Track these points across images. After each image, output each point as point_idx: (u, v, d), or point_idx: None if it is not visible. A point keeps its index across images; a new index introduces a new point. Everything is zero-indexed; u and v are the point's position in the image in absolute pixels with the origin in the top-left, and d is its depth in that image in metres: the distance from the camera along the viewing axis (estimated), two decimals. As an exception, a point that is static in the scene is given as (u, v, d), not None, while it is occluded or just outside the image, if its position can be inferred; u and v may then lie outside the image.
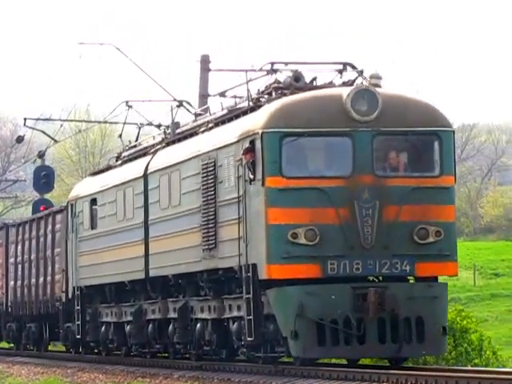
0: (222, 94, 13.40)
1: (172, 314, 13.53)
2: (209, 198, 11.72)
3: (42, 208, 26.20)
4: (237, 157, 10.80)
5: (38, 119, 31.43)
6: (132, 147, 17.79)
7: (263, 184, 9.77)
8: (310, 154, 10.13)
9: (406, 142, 10.24)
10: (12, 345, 25.18)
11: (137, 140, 18.21)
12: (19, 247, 23.62)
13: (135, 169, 15.60)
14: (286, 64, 11.79)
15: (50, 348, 22.95)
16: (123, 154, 17.91)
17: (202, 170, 11.95)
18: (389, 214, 9.70)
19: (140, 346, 15.67)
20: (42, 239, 21.70)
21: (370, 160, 9.83)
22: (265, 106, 10.73)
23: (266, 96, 11.53)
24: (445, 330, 10.04)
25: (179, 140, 14.37)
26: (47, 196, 33.21)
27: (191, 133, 13.92)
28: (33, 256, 22.35)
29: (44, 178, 31.59)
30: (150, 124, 19.39)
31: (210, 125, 13.00)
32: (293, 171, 9.86)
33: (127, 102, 19.10)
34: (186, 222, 12.69)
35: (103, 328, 17.11)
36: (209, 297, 12.27)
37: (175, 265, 13.12)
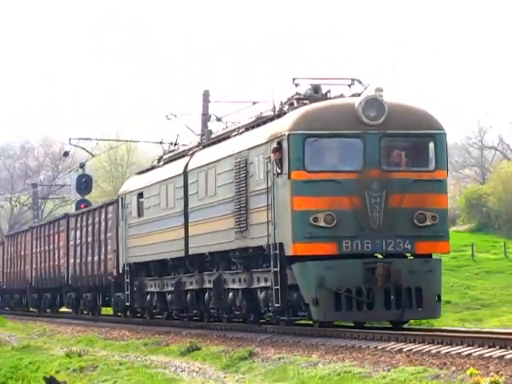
0: (219, 119, 18.50)
1: (207, 285, 15.80)
2: (241, 189, 13.72)
3: (82, 206, 33.71)
4: (266, 155, 12.79)
5: (79, 139, 39.76)
6: (171, 151, 21.13)
7: (289, 177, 11.71)
8: (327, 152, 12.13)
9: (407, 142, 12.27)
10: (71, 310, 30.23)
11: (175, 145, 21.81)
12: (78, 232, 27.92)
13: (176, 168, 18.23)
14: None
15: (102, 313, 26.91)
16: (164, 157, 20.89)
17: (235, 166, 13.96)
18: (393, 202, 11.64)
19: (179, 312, 18.27)
20: (96, 226, 25.79)
21: (378, 157, 11.80)
22: (290, 112, 12.76)
23: (287, 106, 13.65)
24: (439, 298, 12.02)
25: (213, 143, 16.81)
26: (86, 197, 40.37)
27: (224, 137, 16.25)
28: (89, 239, 26.34)
29: (84, 184, 39.09)
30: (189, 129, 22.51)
31: (241, 130, 15.19)
32: (314, 166, 11.81)
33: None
34: (221, 210, 14.91)
35: (148, 297, 20.08)
36: (239, 270, 14.34)
37: (212, 244, 15.37)
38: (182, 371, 10.57)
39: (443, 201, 12.40)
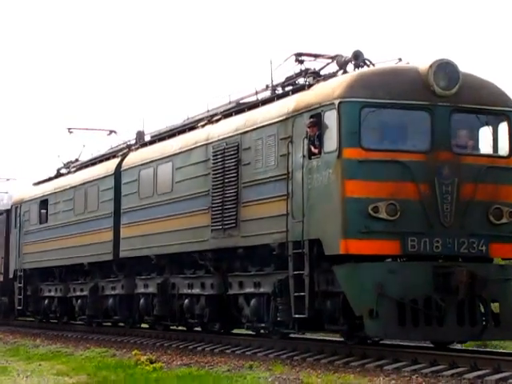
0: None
1: (142, 290, 15.57)
2: (225, 181, 12.16)
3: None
4: (280, 135, 10.60)
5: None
6: (75, 161, 21.39)
7: (339, 155, 9.26)
8: (389, 126, 9.76)
9: (479, 120, 10.06)
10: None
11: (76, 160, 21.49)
12: None
13: (100, 170, 18.01)
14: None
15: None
16: (73, 165, 21.05)
17: (213, 156, 12.62)
18: (466, 192, 9.43)
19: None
20: None
21: (448, 136, 9.58)
22: (333, 79, 10.42)
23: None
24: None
25: (158, 140, 15.87)
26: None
27: (173, 132, 15.24)
28: None
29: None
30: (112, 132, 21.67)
31: (217, 117, 13.61)
32: (372, 143, 9.47)
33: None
34: (183, 207, 13.65)
35: (46, 301, 21.03)
36: (204, 274, 13.45)
37: (162, 246, 14.44)
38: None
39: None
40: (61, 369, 11.39)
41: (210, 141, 13.01)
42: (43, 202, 20.79)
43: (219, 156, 12.48)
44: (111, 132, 21.29)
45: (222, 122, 13.31)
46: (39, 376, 10.41)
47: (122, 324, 18.08)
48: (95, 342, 16.07)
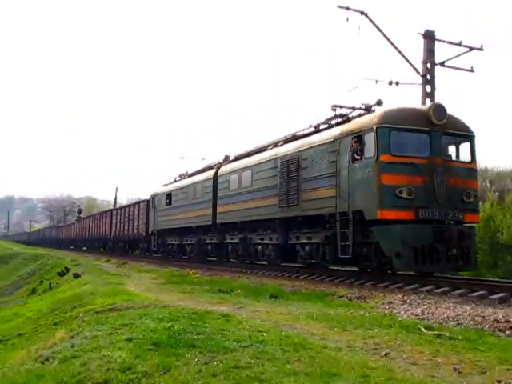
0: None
1: (229, 240, 26.26)
2: (289, 178, 19.58)
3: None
4: (329, 150, 16.95)
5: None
6: (186, 173, 34.96)
7: (377, 159, 14.98)
8: (405, 142, 15.44)
9: (455, 140, 16.11)
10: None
11: (185, 173, 35.20)
12: (118, 216, 49.35)
13: (203, 176, 29.14)
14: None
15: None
16: (185, 175, 34.45)
17: (281, 164, 20.35)
18: (451, 182, 15.32)
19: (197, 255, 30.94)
20: (131, 212, 44.42)
21: (440, 149, 15.53)
22: (369, 114, 16.65)
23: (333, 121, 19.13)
24: (475, 255, 16.04)
25: (239, 159, 26.11)
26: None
27: (249, 154, 25.15)
28: (126, 219, 46.14)
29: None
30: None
31: (280, 143, 22.22)
32: (396, 152, 15.16)
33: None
34: (258, 195, 22.15)
35: (169, 246, 35.53)
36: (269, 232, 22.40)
37: (247, 216, 23.36)
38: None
39: (477, 185, 16.56)
40: (153, 276, 23.51)
41: (277, 156, 20.80)
42: (168, 194, 34.19)
43: (285, 164, 19.95)
44: (203, 159, 36.89)
45: (285, 145, 21.19)
46: (141, 279, 21.75)
47: (215, 259, 29.52)
48: (175, 265, 30.37)
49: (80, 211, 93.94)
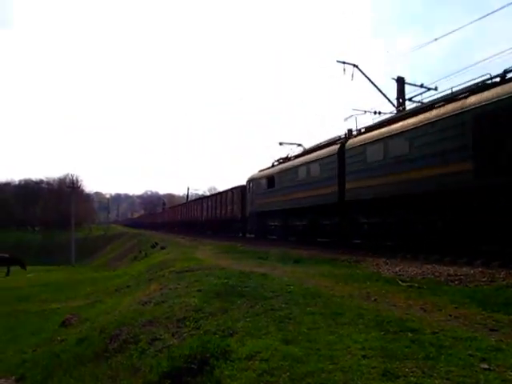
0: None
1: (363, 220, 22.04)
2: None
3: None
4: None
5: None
6: (285, 157, 33.53)
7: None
8: None
9: None
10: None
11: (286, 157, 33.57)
12: (210, 202, 54.87)
13: (323, 153, 25.57)
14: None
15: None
16: (292, 156, 32.50)
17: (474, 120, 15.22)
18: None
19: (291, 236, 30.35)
20: (224, 198, 47.88)
21: None
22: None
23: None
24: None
25: (367, 131, 22.51)
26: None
27: (401, 117, 20.11)
28: (218, 204, 50.34)
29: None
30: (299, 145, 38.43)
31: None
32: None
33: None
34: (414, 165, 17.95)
35: (269, 228, 33.93)
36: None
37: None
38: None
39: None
40: (211, 248, 27.44)
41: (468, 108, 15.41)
42: (270, 177, 32.51)
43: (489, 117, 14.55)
44: (299, 145, 37.86)
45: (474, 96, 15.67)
46: (204, 250, 26.03)
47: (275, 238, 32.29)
48: (237, 242, 33.31)
49: (164, 204, 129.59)
